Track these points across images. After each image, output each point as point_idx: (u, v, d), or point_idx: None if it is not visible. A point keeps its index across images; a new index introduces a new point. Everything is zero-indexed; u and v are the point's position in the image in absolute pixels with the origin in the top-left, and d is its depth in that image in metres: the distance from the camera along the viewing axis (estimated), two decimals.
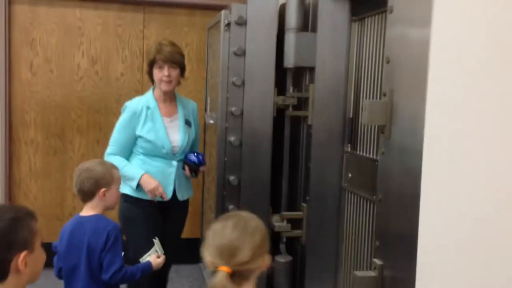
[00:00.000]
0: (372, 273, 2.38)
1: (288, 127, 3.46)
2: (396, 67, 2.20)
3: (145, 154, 3.17)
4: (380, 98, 2.76)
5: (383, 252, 2.36)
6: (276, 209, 3.49)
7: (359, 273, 2.40)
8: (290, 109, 3.40)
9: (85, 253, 2.36)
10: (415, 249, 1.99)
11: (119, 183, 2.61)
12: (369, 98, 3.00)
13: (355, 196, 3.18)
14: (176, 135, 3.21)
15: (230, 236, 1.67)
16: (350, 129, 3.21)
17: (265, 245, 1.73)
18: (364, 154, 3.06)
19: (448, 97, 1.84)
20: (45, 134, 4.54)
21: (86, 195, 2.45)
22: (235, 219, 1.74)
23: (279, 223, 3.40)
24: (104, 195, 2.46)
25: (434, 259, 1.91)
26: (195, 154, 3.29)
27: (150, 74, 3.24)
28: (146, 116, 3.15)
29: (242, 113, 3.32)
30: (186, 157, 3.26)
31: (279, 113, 3.41)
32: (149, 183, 3.09)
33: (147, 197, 3.14)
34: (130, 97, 3.43)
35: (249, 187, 3.36)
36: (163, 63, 3.15)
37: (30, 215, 1.57)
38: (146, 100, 3.21)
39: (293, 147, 3.50)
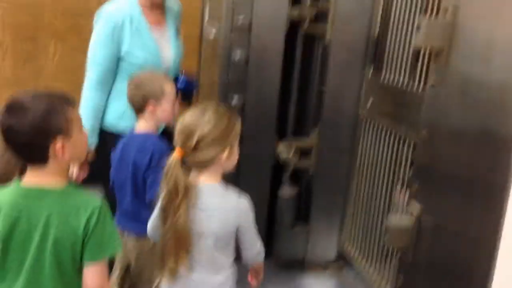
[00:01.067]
0: (407, 220, 2.10)
1: (300, 44, 3.04)
2: None
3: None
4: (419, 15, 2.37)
5: (425, 195, 2.06)
6: (282, 136, 3.13)
7: (394, 219, 2.11)
8: (306, 24, 2.95)
9: (131, 169, 2.25)
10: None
11: (173, 97, 2.33)
12: (404, 14, 2.58)
13: (375, 126, 2.84)
14: (167, 52, 2.67)
15: (187, 120, 1.78)
16: (375, 50, 2.81)
17: (222, 138, 1.77)
18: (391, 80, 2.69)
19: None
20: (14, 36, 3.98)
21: (137, 109, 2.30)
22: (202, 106, 1.82)
23: (286, 151, 3.05)
24: (154, 109, 2.26)
25: None
26: (185, 75, 2.77)
27: None
28: (131, 28, 2.53)
29: (250, 26, 2.86)
30: (177, 80, 2.69)
31: (292, 28, 2.96)
32: None
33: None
34: None
35: (254, 109, 2.97)
36: None
37: (66, 102, 1.57)
38: (130, 7, 2.56)
39: (304, 67, 3.10)
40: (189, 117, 1.79)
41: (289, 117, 3.14)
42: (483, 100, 1.74)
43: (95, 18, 2.61)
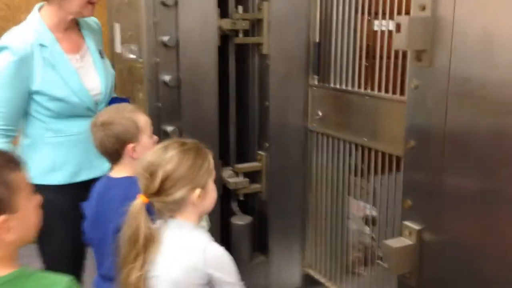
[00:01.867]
0: (407, 241, 1.88)
1: (234, 58, 2.73)
2: None
3: (53, 117, 2.09)
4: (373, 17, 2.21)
5: (420, 214, 1.86)
6: (227, 162, 2.82)
7: (393, 243, 1.88)
8: (240, 35, 2.66)
9: (114, 226, 1.69)
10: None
11: (149, 129, 1.91)
12: (346, 15, 2.39)
13: (327, 138, 2.62)
14: (93, 78, 2.18)
15: (148, 160, 1.53)
16: (318, 57, 2.59)
17: (189, 177, 1.53)
18: (340, 86, 2.49)
19: None
20: None
21: (112, 157, 1.87)
22: (165, 143, 1.58)
23: (234, 178, 2.74)
24: (134, 151, 1.83)
25: None
26: (118, 97, 2.35)
27: None
28: (44, 59, 2.03)
29: (177, 43, 2.51)
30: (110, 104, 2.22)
31: (224, 42, 2.66)
32: None
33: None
34: None
35: (192, 137, 2.61)
36: None
37: (7, 165, 1.23)
38: (38, 34, 2.05)
39: (242, 83, 2.81)
40: (150, 156, 1.56)
41: (230, 139, 2.82)
42: (483, 99, 1.57)
43: None
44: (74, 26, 2.18)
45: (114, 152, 1.84)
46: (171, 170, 1.51)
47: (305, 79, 2.65)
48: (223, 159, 2.77)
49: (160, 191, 1.51)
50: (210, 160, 1.59)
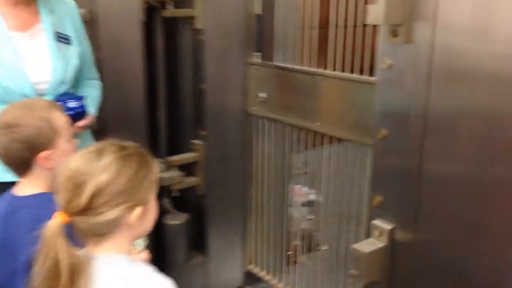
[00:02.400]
0: (378, 243, 1.66)
1: (161, 34, 2.37)
2: None
3: None
4: None
5: (391, 212, 1.64)
6: (157, 154, 2.46)
7: (363, 247, 1.65)
8: (168, 7, 2.30)
9: (26, 258, 1.26)
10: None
11: (68, 130, 1.48)
12: None
13: (272, 123, 2.35)
14: (42, 64, 1.76)
15: (74, 167, 1.15)
16: (259, 31, 2.30)
17: (129, 191, 1.16)
18: (286, 64, 2.21)
19: None
20: None
21: (19, 168, 1.44)
22: (98, 146, 1.20)
23: (167, 172, 2.41)
24: (48, 159, 1.42)
25: None
26: (77, 100, 1.82)
27: None
28: None
29: (95, 18, 2.11)
30: (64, 102, 1.77)
31: (149, 15, 2.28)
32: None
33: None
34: None
35: (116, 126, 2.24)
36: None
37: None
38: None
39: (172, 64, 2.45)
40: (76, 162, 1.17)
41: (160, 127, 2.47)
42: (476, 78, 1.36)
43: None
44: (31, 2, 1.77)
45: (21, 162, 1.43)
46: (106, 181, 1.14)
47: (245, 57, 2.35)
48: (153, 151, 2.42)
49: (87, 209, 1.14)
50: (154, 170, 1.24)
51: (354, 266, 1.68)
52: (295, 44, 2.19)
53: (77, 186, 1.13)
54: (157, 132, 2.48)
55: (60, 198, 1.16)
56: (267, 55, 2.28)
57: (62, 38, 1.79)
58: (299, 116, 2.17)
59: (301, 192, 2.73)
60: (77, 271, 1.13)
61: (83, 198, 1.12)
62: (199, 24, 2.29)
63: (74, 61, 1.80)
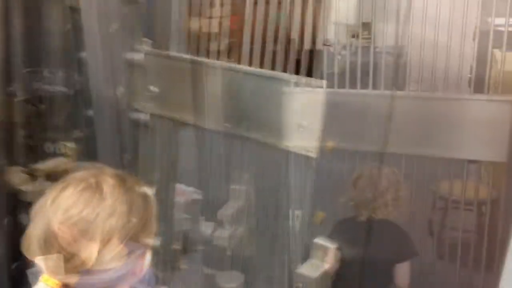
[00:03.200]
0: (323, 265, 1.46)
1: (19, 13, 1.88)
2: None
3: None
4: None
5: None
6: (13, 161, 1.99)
7: (309, 271, 1.44)
8: None
9: None
10: None
11: None
12: None
13: (165, 123, 2.02)
14: None
15: (70, 214, 0.88)
16: (149, 12, 1.94)
17: (140, 235, 0.93)
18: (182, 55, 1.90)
19: None
20: None
21: None
22: (90, 180, 0.91)
23: (30, 184, 1.95)
24: None
25: None
26: None
27: None
28: None
29: None
30: None
31: None
32: None
33: None
34: None
35: None
36: None
37: None
38: None
39: (35, 50, 1.97)
40: (71, 203, 0.88)
41: (18, 128, 1.97)
42: None
43: None
44: None
45: None
46: (120, 226, 0.88)
47: (131, 42, 1.96)
48: (8, 158, 1.93)
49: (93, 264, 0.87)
50: (154, 206, 0.98)
51: None
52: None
53: (80, 236, 0.87)
54: (14, 134, 1.98)
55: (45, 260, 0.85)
56: (160, 42, 1.93)
57: None
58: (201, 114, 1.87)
59: (183, 192, 2.50)
60: None
61: (93, 253, 0.86)
62: (71, 1, 1.85)
63: None
